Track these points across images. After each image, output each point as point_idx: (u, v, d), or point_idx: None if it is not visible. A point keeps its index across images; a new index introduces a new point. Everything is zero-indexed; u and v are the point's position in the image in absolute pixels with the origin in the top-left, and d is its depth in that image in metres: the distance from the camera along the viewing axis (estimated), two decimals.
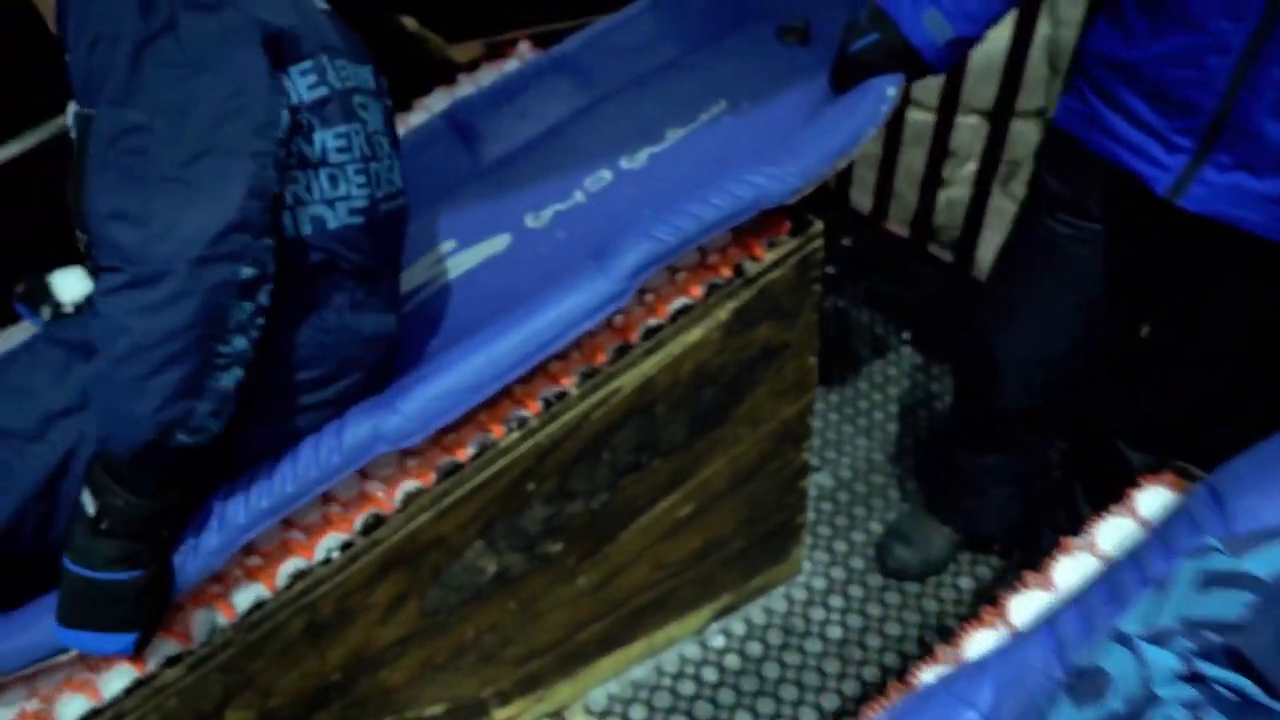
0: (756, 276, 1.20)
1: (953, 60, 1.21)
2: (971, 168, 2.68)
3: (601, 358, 1.15)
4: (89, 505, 0.94)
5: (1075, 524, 0.98)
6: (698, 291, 1.19)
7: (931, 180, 2.09)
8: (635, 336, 1.17)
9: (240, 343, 0.92)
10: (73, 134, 1.01)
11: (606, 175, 1.38)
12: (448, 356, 1.05)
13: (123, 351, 0.88)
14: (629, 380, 1.17)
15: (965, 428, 1.58)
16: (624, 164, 1.39)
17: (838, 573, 1.74)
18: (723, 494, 1.41)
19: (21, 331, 1.39)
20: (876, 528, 1.82)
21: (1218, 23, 0.99)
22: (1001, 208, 3.18)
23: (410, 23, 1.86)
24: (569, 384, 1.14)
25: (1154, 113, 1.10)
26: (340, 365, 1.09)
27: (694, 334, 1.19)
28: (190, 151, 0.91)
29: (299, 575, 1.05)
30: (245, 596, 1.03)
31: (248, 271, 0.91)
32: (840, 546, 1.78)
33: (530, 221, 1.36)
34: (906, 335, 2.31)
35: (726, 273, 1.20)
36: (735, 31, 1.51)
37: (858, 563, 1.75)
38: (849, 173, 2.24)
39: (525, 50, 1.75)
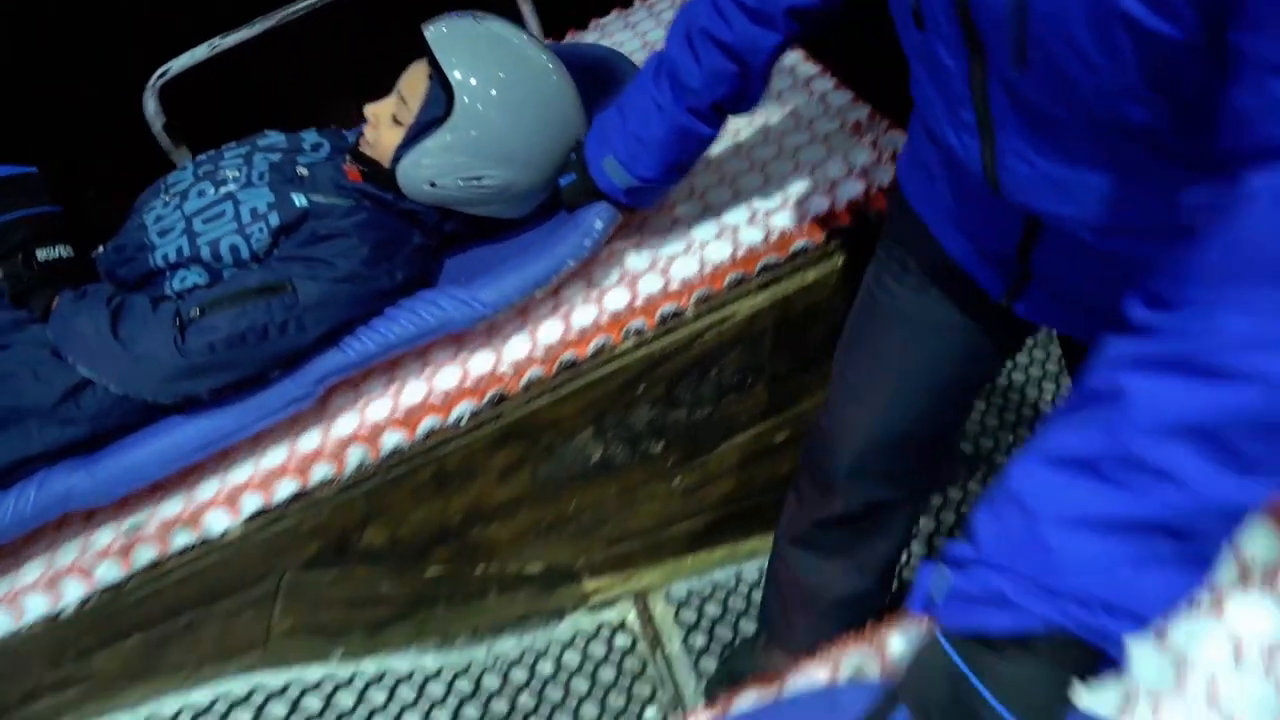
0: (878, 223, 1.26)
1: (655, 199, 1.24)
2: None
3: (719, 285, 1.26)
4: None
5: None
6: (819, 236, 1.26)
7: None
8: (754, 270, 1.26)
9: None
10: None
11: None
12: (153, 429, 1.18)
13: None
14: (741, 309, 1.27)
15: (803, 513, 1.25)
16: None
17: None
18: None
19: None
20: None
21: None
22: None
23: None
24: (686, 304, 1.25)
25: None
26: None
27: (810, 275, 1.27)
28: None
29: (433, 432, 1.23)
30: (390, 440, 1.23)
31: None
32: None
33: None
34: None
35: (847, 220, 1.26)
36: None
37: None
38: None
39: None
